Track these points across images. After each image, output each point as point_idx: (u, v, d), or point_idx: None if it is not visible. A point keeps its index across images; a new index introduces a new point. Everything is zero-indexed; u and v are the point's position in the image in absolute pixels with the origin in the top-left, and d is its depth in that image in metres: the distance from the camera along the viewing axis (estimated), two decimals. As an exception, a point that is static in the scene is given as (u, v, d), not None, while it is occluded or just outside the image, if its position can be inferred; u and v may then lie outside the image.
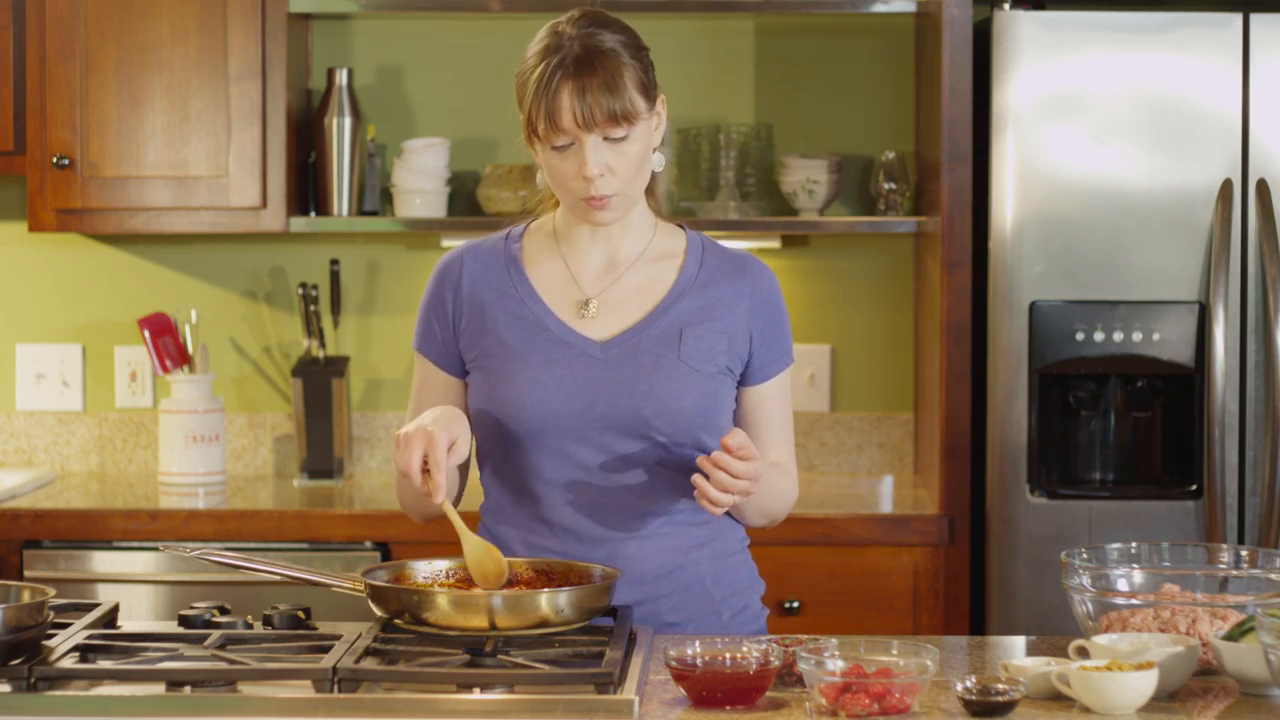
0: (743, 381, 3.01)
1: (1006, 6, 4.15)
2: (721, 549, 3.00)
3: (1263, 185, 4.11)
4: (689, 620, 2.96)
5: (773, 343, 3.01)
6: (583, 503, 2.92)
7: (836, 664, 2.47)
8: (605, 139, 2.83)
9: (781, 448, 3.06)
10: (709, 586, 2.98)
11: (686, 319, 2.95)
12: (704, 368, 2.93)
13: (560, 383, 2.89)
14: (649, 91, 2.87)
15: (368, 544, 4.25)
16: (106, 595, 4.19)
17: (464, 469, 3.01)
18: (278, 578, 2.87)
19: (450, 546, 3.10)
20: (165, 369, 4.65)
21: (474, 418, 2.96)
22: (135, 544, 4.26)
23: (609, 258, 2.98)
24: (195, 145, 4.46)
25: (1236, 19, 4.12)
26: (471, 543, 2.80)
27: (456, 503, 2.99)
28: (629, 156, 2.85)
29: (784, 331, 3.03)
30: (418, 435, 2.73)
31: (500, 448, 2.95)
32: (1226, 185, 4.11)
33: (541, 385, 2.89)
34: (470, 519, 2.90)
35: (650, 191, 2.99)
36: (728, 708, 2.47)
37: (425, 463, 2.73)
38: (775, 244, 4.69)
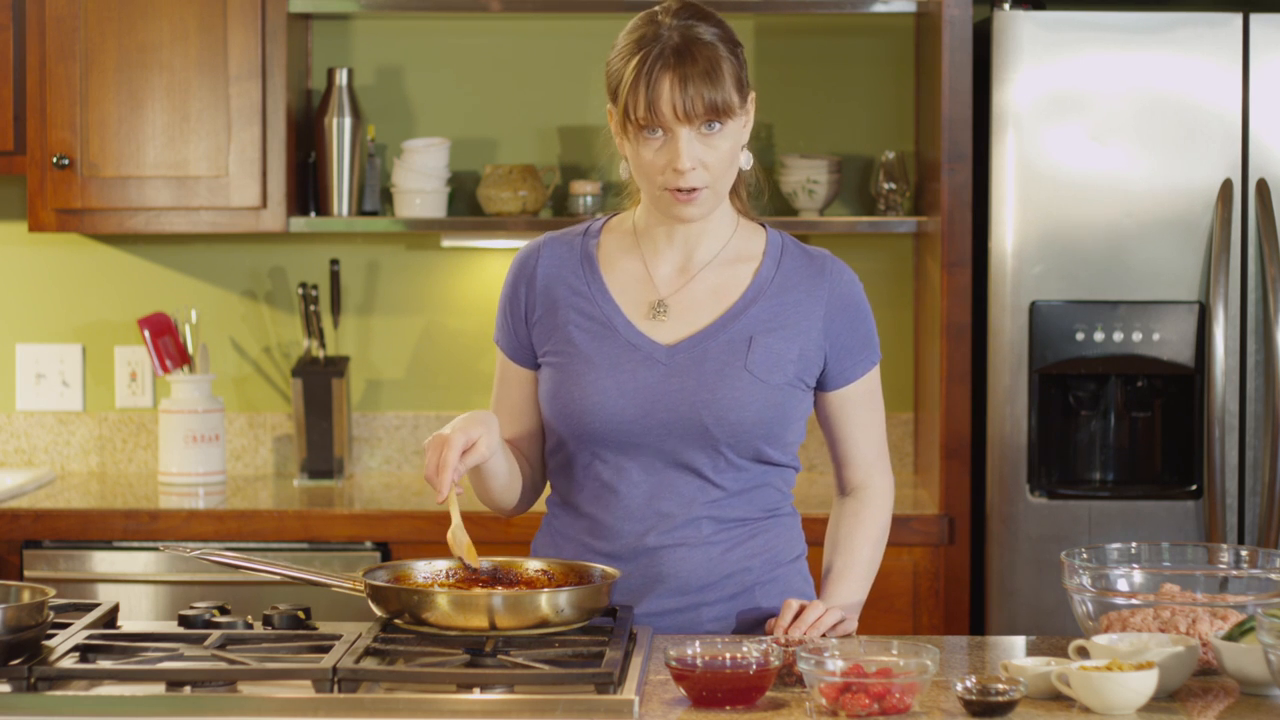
0: (823, 386, 2.94)
1: (1006, 6, 4.15)
2: (774, 559, 2.95)
3: (1263, 185, 4.11)
4: (730, 630, 2.91)
5: (854, 346, 2.94)
6: (636, 507, 2.89)
7: (836, 664, 2.47)
8: (699, 133, 2.79)
9: (870, 449, 3.00)
10: (758, 597, 2.93)
11: (757, 326, 2.88)
12: (770, 378, 2.87)
13: (622, 387, 2.86)
14: (743, 87, 2.83)
15: (368, 544, 4.25)
16: (106, 595, 4.19)
17: (535, 463, 3.02)
18: (278, 578, 2.87)
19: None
20: (165, 369, 4.65)
21: (543, 414, 2.95)
22: (135, 544, 4.26)
23: (685, 258, 2.92)
24: (195, 145, 4.46)
25: (1236, 19, 4.12)
26: (455, 524, 2.79)
27: (533, 499, 3.04)
28: (721, 151, 2.81)
29: (866, 332, 2.96)
30: (434, 442, 2.74)
31: (563, 446, 2.93)
32: (1226, 185, 4.11)
33: (603, 389, 2.86)
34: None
35: (735, 191, 2.93)
36: (728, 708, 2.47)
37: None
38: (775, 244, 4.68)
